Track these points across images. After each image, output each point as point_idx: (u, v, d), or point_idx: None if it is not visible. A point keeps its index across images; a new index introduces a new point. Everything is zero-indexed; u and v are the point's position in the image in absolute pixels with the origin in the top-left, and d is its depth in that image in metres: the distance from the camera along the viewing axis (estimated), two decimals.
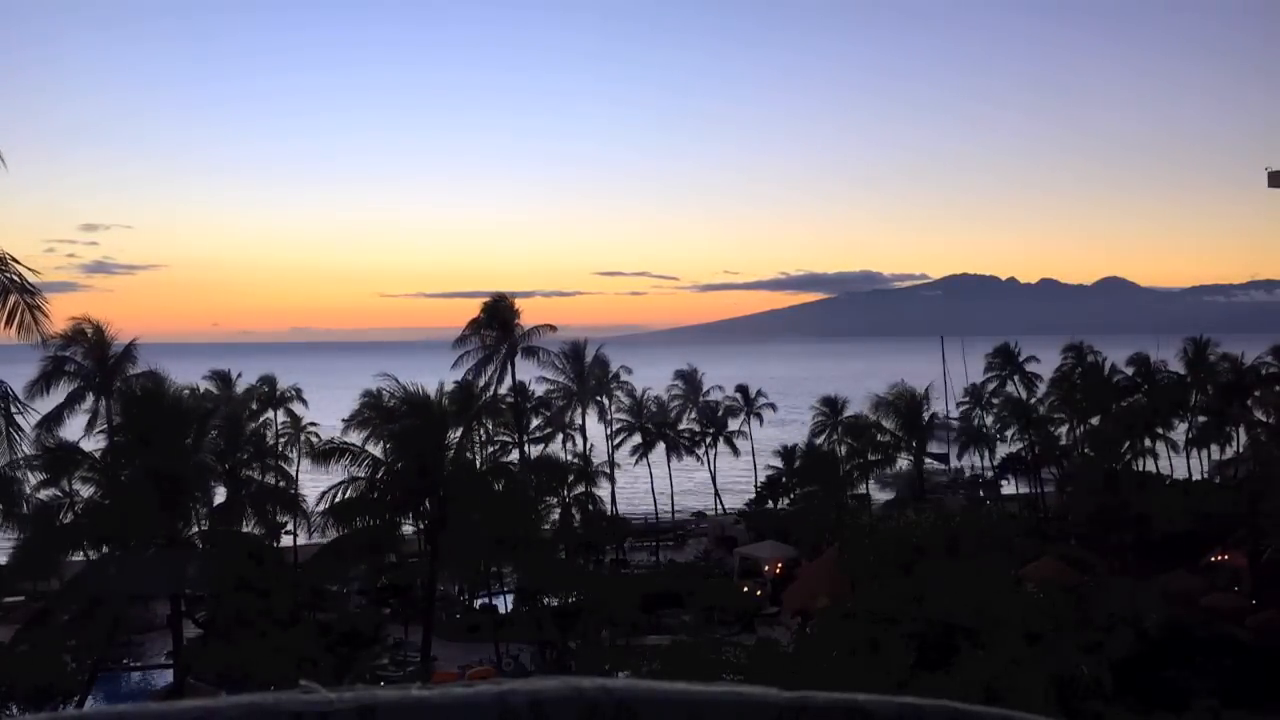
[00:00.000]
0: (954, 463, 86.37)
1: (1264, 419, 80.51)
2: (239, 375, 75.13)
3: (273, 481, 56.24)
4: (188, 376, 56.89)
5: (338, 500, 43.19)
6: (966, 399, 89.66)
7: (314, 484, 60.38)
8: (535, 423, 76.43)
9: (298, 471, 64.71)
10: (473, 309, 68.33)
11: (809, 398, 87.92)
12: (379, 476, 43.41)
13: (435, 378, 53.97)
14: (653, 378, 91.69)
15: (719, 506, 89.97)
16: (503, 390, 64.78)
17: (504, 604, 60.29)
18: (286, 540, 57.81)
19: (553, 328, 68.19)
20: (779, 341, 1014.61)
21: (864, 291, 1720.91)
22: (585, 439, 77.52)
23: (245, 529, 45.68)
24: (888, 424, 74.70)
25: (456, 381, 60.70)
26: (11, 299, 22.87)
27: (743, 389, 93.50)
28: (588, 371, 76.52)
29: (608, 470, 73.36)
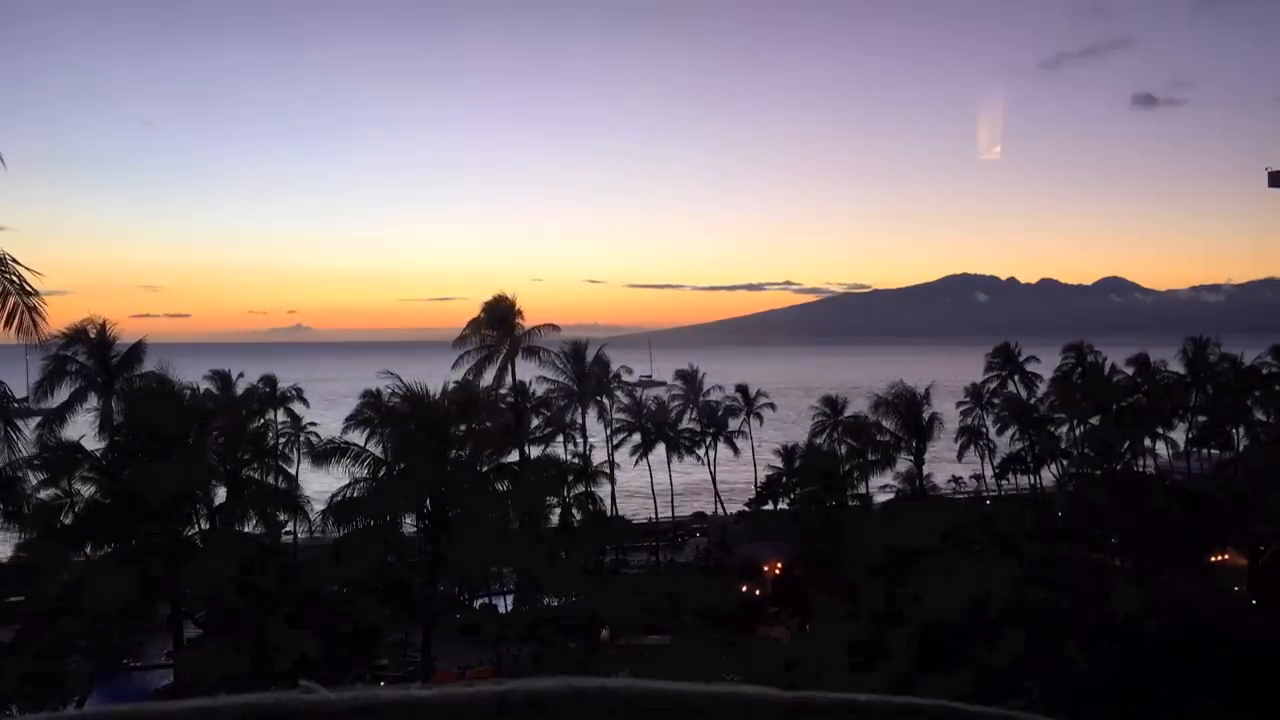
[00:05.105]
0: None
1: (1264, 419, 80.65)
2: (239, 375, 75.02)
3: (273, 481, 56.16)
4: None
5: (342, 500, 43.21)
6: (967, 399, 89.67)
7: (315, 485, 60.26)
8: (535, 423, 76.29)
9: (298, 471, 64.63)
10: (458, 310, 68.31)
11: (808, 398, 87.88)
12: (380, 476, 43.39)
13: (410, 377, 53.37)
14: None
15: (719, 507, 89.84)
16: (503, 390, 64.56)
17: (504, 604, 60.26)
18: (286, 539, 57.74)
19: (556, 327, 67.83)
20: (777, 343, 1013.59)
21: (864, 292, 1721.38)
22: (585, 439, 77.40)
23: (246, 529, 45.64)
24: (888, 424, 74.68)
25: (456, 382, 60.56)
26: (11, 300, 22.80)
27: (743, 389, 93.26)
28: (588, 371, 76.35)
29: (608, 470, 73.27)
